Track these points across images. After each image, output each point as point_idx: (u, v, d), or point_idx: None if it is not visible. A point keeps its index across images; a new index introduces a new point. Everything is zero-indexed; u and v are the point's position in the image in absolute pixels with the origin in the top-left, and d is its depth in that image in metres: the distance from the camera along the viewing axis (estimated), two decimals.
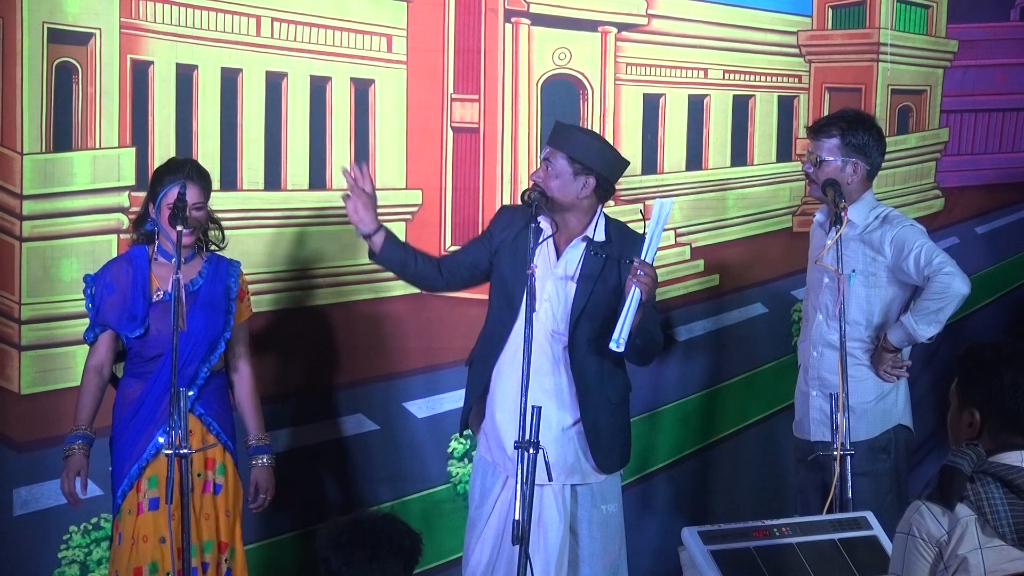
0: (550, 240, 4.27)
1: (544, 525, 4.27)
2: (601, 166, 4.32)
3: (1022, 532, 2.77)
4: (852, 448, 4.32)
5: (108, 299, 4.23)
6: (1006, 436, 2.86)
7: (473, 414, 4.46)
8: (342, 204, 5.12)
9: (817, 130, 4.67)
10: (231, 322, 4.38)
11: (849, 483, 4.17)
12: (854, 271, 4.52)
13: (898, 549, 2.86)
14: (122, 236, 4.71)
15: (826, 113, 5.90)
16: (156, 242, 4.33)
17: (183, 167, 4.32)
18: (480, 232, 4.62)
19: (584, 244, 4.34)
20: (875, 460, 4.57)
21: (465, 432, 4.92)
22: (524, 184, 4.98)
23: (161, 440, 4.12)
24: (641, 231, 4.40)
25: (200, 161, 4.87)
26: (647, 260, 4.09)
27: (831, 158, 4.60)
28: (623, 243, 4.36)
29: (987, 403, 2.87)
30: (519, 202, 4.24)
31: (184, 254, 4.20)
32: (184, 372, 4.22)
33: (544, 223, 4.30)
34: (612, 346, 4.10)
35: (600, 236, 4.34)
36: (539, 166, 4.35)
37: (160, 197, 4.24)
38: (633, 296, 4.08)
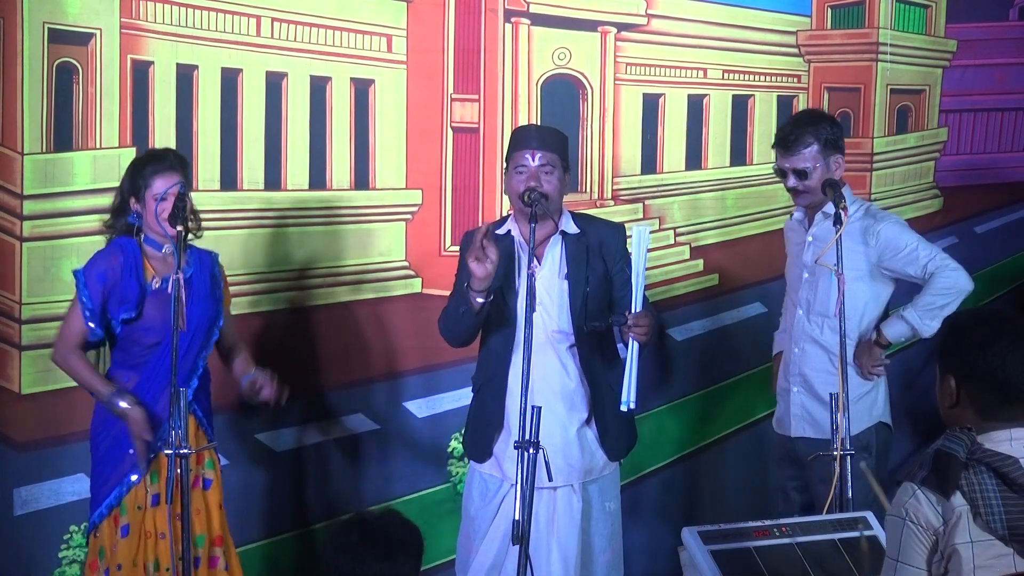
0: (524, 244, 4.24)
1: (559, 526, 4.28)
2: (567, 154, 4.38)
3: (1013, 528, 2.74)
4: (836, 446, 4.32)
5: (101, 288, 4.19)
6: (984, 401, 2.81)
7: (481, 439, 4.42)
8: (342, 204, 5.17)
9: (791, 143, 4.55)
10: (222, 309, 4.39)
11: (849, 483, 4.16)
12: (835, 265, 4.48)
13: (893, 534, 2.81)
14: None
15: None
16: (141, 233, 4.27)
17: (165, 157, 4.28)
18: (458, 270, 4.45)
19: (560, 239, 4.33)
20: (856, 458, 4.52)
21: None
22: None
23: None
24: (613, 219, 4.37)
25: (200, 161, 4.90)
26: (637, 301, 4.06)
27: (817, 164, 4.56)
28: (598, 231, 4.38)
29: (960, 366, 2.84)
30: (523, 202, 4.22)
31: (170, 244, 4.21)
32: (183, 363, 4.21)
33: (512, 228, 4.33)
34: (623, 408, 4.10)
35: (572, 229, 4.35)
36: (529, 173, 4.24)
37: (144, 190, 4.20)
38: (633, 351, 4.07)
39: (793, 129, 4.59)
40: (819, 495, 4.49)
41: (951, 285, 4.46)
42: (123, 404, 4.18)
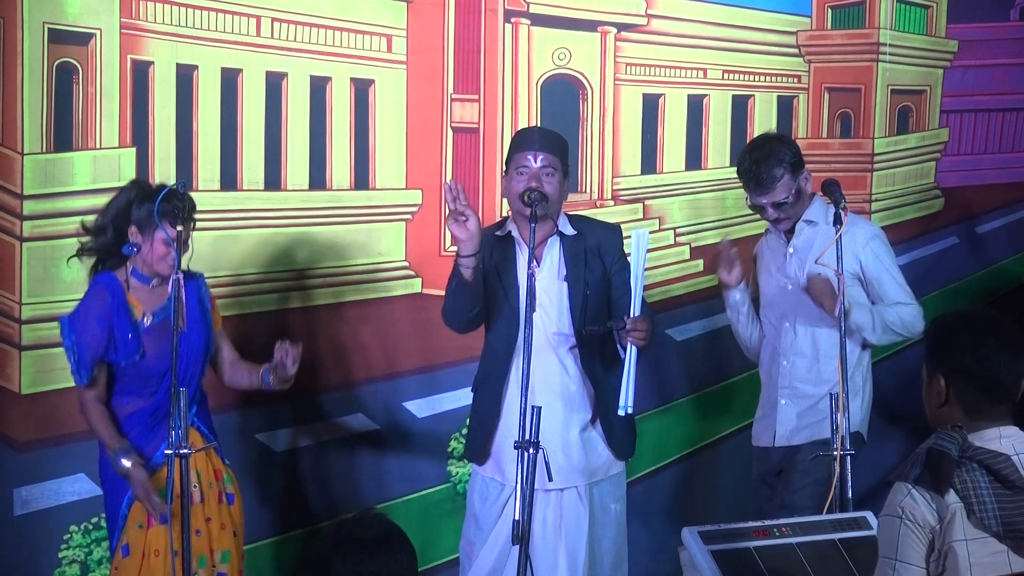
0: (523, 245, 4.25)
1: (567, 531, 4.28)
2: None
3: (1008, 525, 2.75)
4: (800, 448, 4.31)
5: (94, 334, 4.13)
6: (972, 400, 2.84)
7: (477, 438, 4.41)
8: (342, 204, 5.17)
9: (765, 181, 4.49)
10: (212, 334, 4.35)
11: (849, 483, 4.15)
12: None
13: (889, 533, 2.81)
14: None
15: (825, 113, 5.94)
16: (129, 265, 4.20)
17: (183, 200, 4.09)
18: None
19: (558, 241, 4.33)
20: (823, 464, 4.45)
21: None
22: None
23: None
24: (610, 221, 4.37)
25: (200, 161, 4.90)
26: (636, 305, 4.05)
27: (793, 189, 4.51)
28: (595, 232, 4.37)
29: (950, 365, 2.87)
30: (522, 202, 4.22)
31: (158, 280, 4.18)
32: (188, 389, 4.18)
33: (511, 229, 4.33)
34: (620, 412, 4.09)
35: (569, 231, 4.34)
36: (530, 174, 4.23)
37: (154, 230, 4.10)
38: (631, 355, 4.06)
39: (760, 167, 4.50)
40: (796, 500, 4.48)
41: (914, 328, 4.50)
42: (125, 463, 4.10)
